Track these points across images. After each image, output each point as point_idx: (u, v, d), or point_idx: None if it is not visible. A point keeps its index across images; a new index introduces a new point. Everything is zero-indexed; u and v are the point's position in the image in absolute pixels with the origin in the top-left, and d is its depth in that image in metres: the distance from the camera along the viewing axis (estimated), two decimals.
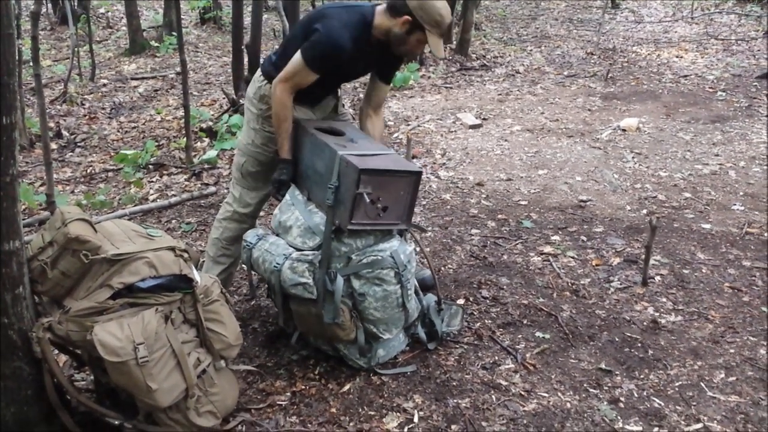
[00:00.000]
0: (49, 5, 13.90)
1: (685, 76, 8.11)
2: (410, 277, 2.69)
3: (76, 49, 8.65)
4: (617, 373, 2.76)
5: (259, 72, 3.00)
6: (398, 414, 2.55)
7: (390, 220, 2.61)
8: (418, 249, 3.88)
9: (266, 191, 3.06)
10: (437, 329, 2.94)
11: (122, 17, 13.14)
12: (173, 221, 4.49)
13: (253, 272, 2.88)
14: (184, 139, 5.71)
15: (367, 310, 2.64)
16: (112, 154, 6.02)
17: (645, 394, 2.63)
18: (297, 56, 2.74)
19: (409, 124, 6.60)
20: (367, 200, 2.47)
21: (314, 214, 2.68)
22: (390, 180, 2.54)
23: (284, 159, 2.89)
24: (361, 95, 7.75)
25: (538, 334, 3.05)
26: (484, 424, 2.50)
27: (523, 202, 4.57)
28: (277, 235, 2.79)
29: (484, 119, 6.67)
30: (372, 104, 3.08)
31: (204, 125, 6.55)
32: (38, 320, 2.23)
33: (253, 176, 3.06)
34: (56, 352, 2.34)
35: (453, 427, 2.49)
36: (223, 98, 7.52)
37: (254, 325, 3.19)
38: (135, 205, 4.75)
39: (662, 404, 2.57)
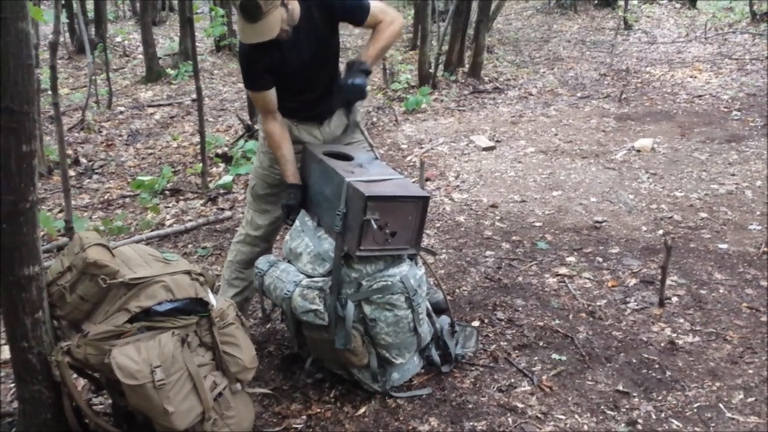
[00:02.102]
0: (67, 35, 14.15)
1: (700, 96, 8.10)
2: (421, 302, 2.69)
3: (93, 77, 8.80)
4: (635, 394, 2.74)
5: None
6: None
7: (399, 245, 2.61)
8: (428, 273, 3.88)
9: (276, 214, 3.07)
10: (450, 352, 2.93)
11: (138, 45, 13.36)
12: (189, 246, 4.53)
13: (266, 298, 2.90)
14: (200, 164, 5.77)
15: (379, 336, 2.64)
16: (129, 180, 6.10)
17: (663, 415, 2.61)
18: None
19: (422, 147, 6.63)
20: (375, 226, 2.48)
21: (324, 240, 2.69)
22: (397, 205, 2.55)
23: (291, 184, 2.92)
24: (375, 119, 7.82)
25: (554, 356, 3.04)
26: None
27: (537, 224, 4.57)
28: (289, 261, 2.81)
29: (497, 141, 6.69)
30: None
31: (219, 151, 6.62)
32: (57, 344, 2.26)
33: (263, 199, 3.09)
34: (75, 375, 2.37)
35: None
36: (238, 124, 7.60)
37: (270, 349, 3.20)
38: (152, 231, 4.80)
39: (681, 426, 2.55)
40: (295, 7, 2.65)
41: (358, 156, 2.90)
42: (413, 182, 5.43)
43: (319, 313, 2.60)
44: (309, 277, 2.68)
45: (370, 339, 2.68)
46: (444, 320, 2.98)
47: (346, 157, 2.85)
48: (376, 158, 2.96)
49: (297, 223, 2.89)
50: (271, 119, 2.90)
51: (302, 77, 2.86)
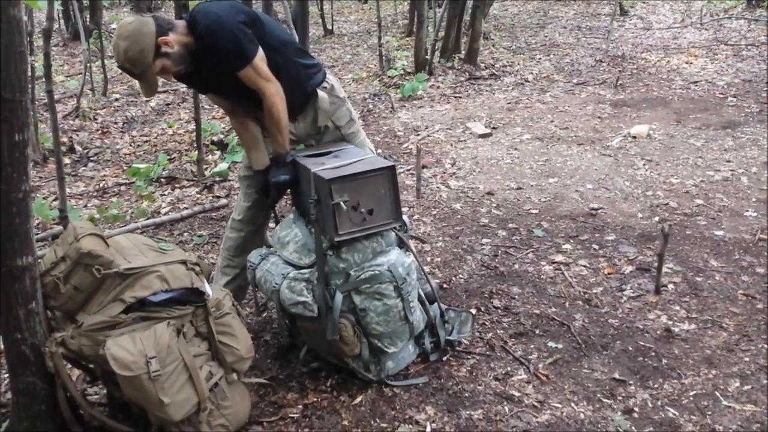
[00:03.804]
0: (62, 21, 14.06)
1: (695, 82, 8.08)
2: (411, 290, 2.68)
3: (88, 64, 8.71)
4: (631, 382, 2.75)
5: None
6: (411, 426, 2.54)
7: (380, 222, 2.61)
8: (427, 260, 3.88)
9: (255, 197, 3.07)
10: (440, 340, 2.93)
11: None
12: (185, 234, 4.51)
13: (259, 291, 2.91)
14: (196, 152, 5.74)
15: (370, 325, 2.64)
16: (125, 168, 6.06)
17: (659, 404, 2.61)
18: None
19: (418, 135, 6.61)
20: (345, 208, 2.48)
21: (314, 233, 2.68)
22: (364, 182, 2.55)
23: (255, 171, 3.00)
24: (371, 105, 7.79)
25: (550, 344, 3.04)
26: None
27: (533, 211, 4.56)
28: (276, 250, 2.81)
29: (493, 128, 6.67)
30: None
31: (215, 138, 6.59)
32: (51, 335, 2.25)
33: (244, 180, 3.11)
34: (69, 366, 2.35)
35: None
36: None
37: (266, 338, 3.19)
38: (147, 219, 4.78)
39: (677, 414, 2.55)
40: (182, 41, 2.60)
41: (338, 148, 2.90)
42: (409, 169, 5.43)
43: (308, 305, 2.60)
44: (294, 266, 2.68)
45: (361, 329, 2.67)
46: (437, 308, 2.97)
47: (324, 153, 2.86)
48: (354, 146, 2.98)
49: (290, 216, 2.90)
50: (230, 115, 3.00)
51: (232, 93, 2.85)
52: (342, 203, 2.48)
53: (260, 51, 2.64)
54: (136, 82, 2.71)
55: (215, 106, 8.24)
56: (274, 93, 2.69)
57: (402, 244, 2.75)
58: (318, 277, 2.59)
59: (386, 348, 2.71)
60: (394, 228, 2.69)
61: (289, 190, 2.93)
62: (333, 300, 2.57)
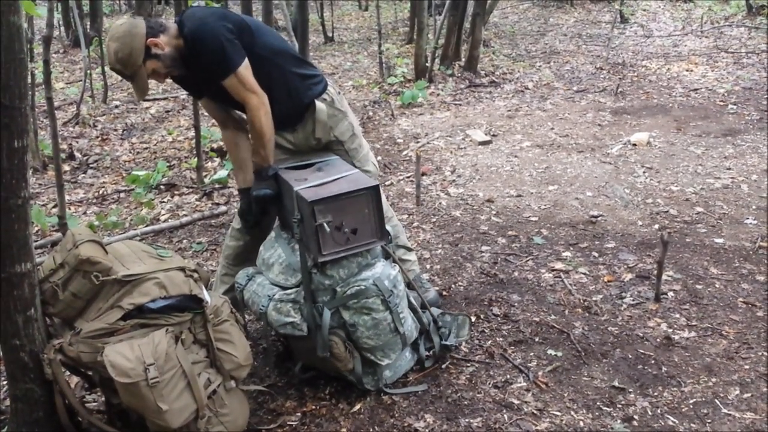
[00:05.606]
0: (62, 28, 14.09)
1: (696, 89, 8.09)
2: (399, 301, 2.65)
3: (88, 71, 8.73)
4: (631, 390, 2.74)
5: None
6: None
7: (364, 241, 2.59)
8: (426, 267, 3.87)
9: None
10: (435, 347, 2.93)
11: None
12: (184, 241, 4.51)
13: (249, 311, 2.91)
14: (195, 159, 5.75)
15: (361, 340, 2.63)
16: (124, 175, 6.07)
17: (659, 411, 2.61)
18: None
19: (418, 142, 6.61)
20: (328, 229, 2.46)
21: (296, 251, 2.66)
22: (348, 202, 2.52)
23: (240, 189, 2.98)
24: (371, 113, 7.79)
25: (550, 351, 3.03)
26: None
27: (533, 219, 4.56)
28: (261, 272, 2.81)
29: (493, 136, 6.67)
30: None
31: (215, 145, 6.59)
32: (49, 342, 2.25)
33: None
34: (67, 373, 2.35)
35: None
36: None
37: (264, 345, 3.19)
38: (146, 226, 4.78)
39: (676, 422, 2.54)
40: (173, 44, 2.60)
41: (320, 160, 2.87)
42: (409, 176, 5.43)
43: (296, 325, 2.60)
44: (281, 287, 2.68)
45: (352, 343, 2.66)
46: (429, 315, 2.96)
47: (308, 166, 2.83)
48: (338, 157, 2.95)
49: (272, 234, 2.89)
50: (222, 128, 2.98)
51: (222, 99, 2.82)
52: (325, 224, 2.46)
53: (246, 61, 2.63)
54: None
55: None
56: (258, 105, 2.66)
57: (388, 256, 2.74)
58: (305, 295, 2.59)
59: (379, 361, 2.69)
60: (386, 255, 2.69)
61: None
62: (321, 317, 2.57)
